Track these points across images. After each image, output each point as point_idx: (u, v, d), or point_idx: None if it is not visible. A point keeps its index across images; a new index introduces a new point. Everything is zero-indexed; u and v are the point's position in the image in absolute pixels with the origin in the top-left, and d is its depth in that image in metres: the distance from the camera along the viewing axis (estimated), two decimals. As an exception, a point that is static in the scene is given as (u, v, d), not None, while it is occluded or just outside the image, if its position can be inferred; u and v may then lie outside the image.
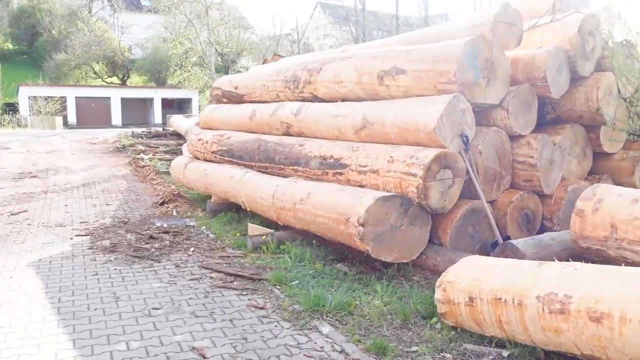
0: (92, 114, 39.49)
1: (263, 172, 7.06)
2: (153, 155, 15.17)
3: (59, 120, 33.39)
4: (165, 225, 7.33)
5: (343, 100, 6.50)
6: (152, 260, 5.70)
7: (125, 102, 41.75)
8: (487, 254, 5.18)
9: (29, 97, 36.65)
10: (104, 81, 50.65)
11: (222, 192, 7.57)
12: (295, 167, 6.41)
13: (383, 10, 40.49)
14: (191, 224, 7.48)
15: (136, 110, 43.40)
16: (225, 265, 5.48)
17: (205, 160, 8.69)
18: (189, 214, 8.20)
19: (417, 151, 5.00)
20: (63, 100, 37.77)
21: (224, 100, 9.17)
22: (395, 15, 39.38)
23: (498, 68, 5.29)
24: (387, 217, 4.79)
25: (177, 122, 20.36)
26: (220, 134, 8.40)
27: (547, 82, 5.51)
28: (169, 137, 20.40)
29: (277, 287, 4.73)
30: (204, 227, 7.22)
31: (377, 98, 5.96)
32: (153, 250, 6.09)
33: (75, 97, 39.25)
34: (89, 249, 6.16)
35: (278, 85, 7.53)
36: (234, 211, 7.62)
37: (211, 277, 5.10)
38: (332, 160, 5.87)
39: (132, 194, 9.86)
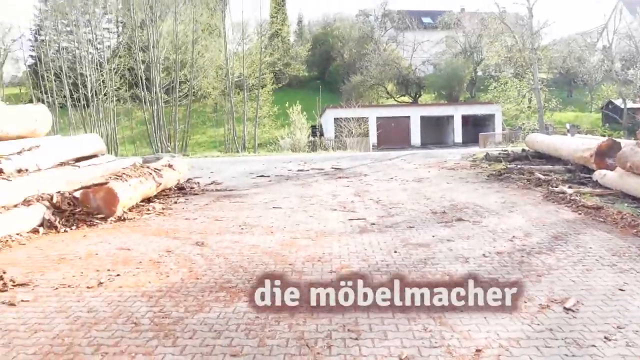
0: (393, 134, 38.06)
1: None
2: (571, 187, 10.88)
3: (368, 141, 32.31)
4: None
5: None
6: None
7: (423, 120, 39.49)
8: None
9: (334, 119, 36.75)
10: (396, 100, 49.71)
11: None
12: None
13: None
14: None
15: (432, 128, 40.87)
16: None
17: None
18: None
19: None
20: (365, 120, 37.10)
21: None
22: None
23: None
24: None
25: (549, 141, 15.95)
26: None
27: None
28: (532, 160, 16.07)
29: None
30: None
31: None
32: None
33: (377, 117, 38.32)
34: None
35: None
36: None
37: None
38: None
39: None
